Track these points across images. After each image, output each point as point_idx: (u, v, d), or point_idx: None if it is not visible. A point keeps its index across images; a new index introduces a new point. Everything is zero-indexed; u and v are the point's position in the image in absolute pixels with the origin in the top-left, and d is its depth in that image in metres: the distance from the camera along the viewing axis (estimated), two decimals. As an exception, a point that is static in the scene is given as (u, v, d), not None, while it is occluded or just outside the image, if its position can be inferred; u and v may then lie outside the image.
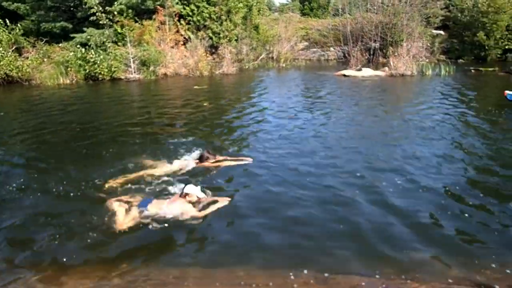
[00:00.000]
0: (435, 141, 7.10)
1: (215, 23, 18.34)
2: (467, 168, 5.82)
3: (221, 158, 5.95)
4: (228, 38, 18.43)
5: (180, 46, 17.36)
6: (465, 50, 20.85)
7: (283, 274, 3.41)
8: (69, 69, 14.91)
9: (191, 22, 18.23)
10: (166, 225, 4.21)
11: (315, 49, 22.88)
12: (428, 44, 19.73)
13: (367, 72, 16.30)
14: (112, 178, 5.30)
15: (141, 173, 5.47)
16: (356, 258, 3.64)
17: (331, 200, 4.77)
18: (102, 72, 14.88)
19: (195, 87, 13.70)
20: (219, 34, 18.33)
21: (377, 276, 3.38)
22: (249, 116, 9.38)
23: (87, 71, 14.87)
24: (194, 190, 4.57)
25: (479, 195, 4.92)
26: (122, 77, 15.38)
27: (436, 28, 22.13)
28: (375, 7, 21.34)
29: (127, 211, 4.38)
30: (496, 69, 17.32)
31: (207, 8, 18.18)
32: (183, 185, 4.83)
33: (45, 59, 15.48)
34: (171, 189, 4.95)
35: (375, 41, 20.50)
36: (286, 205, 4.66)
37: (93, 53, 14.71)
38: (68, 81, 14.90)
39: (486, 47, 19.88)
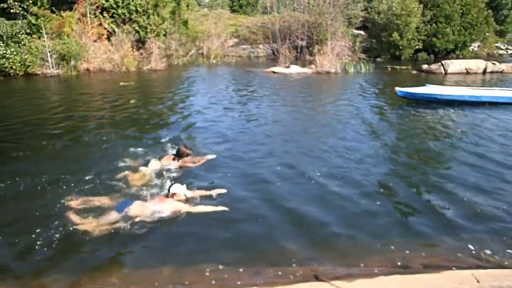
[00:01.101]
0: (351, 134, 7.62)
1: (142, 16, 17.64)
2: (373, 159, 6.31)
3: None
4: (156, 33, 17.84)
5: (104, 40, 16.44)
6: (382, 50, 22.47)
7: (199, 271, 3.42)
8: (-27, 63, 13.37)
9: (115, 15, 17.33)
10: (145, 227, 4.07)
11: (245, 46, 23.07)
12: (350, 43, 20.91)
13: (295, 69, 16.85)
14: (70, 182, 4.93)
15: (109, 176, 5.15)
16: (270, 250, 3.77)
17: (249, 194, 4.87)
18: (14, 67, 13.55)
19: (121, 83, 13.09)
20: (146, 28, 17.67)
21: (293, 265, 3.51)
22: (179, 113, 9.24)
23: (-4, 65, 13.47)
24: (181, 189, 4.46)
25: (389, 183, 5.35)
26: (39, 73, 14.16)
27: (357, 29, 23.57)
28: (302, 7, 22.09)
29: (101, 214, 4.13)
30: (409, 68, 18.94)
31: (133, 0, 17.41)
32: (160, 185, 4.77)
33: None
34: (149, 190, 4.74)
35: (302, 39, 21.24)
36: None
37: (1, 45, 13.33)
38: (-27, 76, 13.38)
39: (400, 47, 21.61)
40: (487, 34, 25.26)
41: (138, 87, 12.99)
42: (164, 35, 18.42)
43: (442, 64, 17.51)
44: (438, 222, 4.37)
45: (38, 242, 3.74)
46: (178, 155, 5.60)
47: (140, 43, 17.91)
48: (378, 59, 21.92)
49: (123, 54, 15.91)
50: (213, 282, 3.28)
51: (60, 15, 15.34)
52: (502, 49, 27.87)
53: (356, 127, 8.12)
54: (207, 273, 3.38)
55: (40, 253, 3.61)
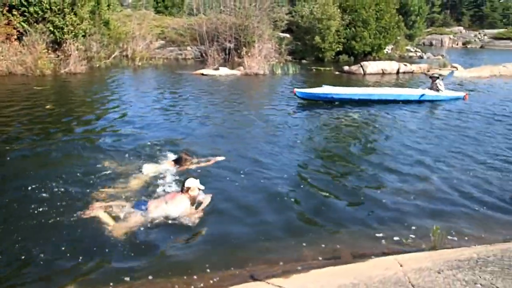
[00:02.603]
0: (270, 135, 7.86)
1: (57, 16, 16.35)
2: (288, 156, 6.59)
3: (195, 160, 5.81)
4: (73, 33, 16.65)
5: (14, 40, 14.96)
6: (307, 52, 23.38)
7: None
8: None
9: (26, 14, 15.85)
10: (169, 223, 4.14)
11: (172, 48, 22.53)
12: (277, 46, 21.46)
13: (224, 71, 16.87)
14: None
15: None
16: (203, 256, 3.73)
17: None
18: None
19: (36, 87, 12.01)
20: (62, 28, 16.41)
21: (229, 268, 3.50)
22: (101, 119, 8.72)
23: None
24: (195, 183, 4.49)
25: (306, 180, 5.59)
26: None
27: (283, 31, 24.27)
28: (228, 9, 22.18)
29: (120, 215, 4.15)
30: (332, 69, 19.98)
31: (45, -2, 16.05)
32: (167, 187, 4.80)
33: None
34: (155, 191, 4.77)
35: (230, 41, 21.31)
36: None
37: None
38: None
39: (323, 49, 22.65)
40: (398, 37, 27.58)
41: (56, 91, 12.03)
42: (84, 36, 17.26)
43: (361, 66, 18.78)
44: (360, 214, 4.67)
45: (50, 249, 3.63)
46: (180, 162, 5.58)
47: (56, 44, 16.60)
48: (304, 61, 22.77)
49: (37, 56, 14.60)
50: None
51: (-41, 13, 13.68)
52: (411, 52, 30.61)
53: (274, 128, 8.39)
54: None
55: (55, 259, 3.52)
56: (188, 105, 10.39)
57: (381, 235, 4.18)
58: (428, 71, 19.56)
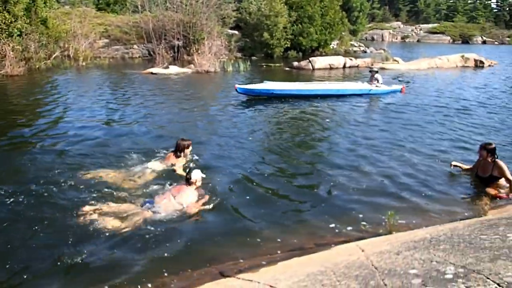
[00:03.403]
0: (221, 131, 7.90)
1: (-13, 14, 15.12)
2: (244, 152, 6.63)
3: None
4: (7, 33, 15.48)
5: None
6: (256, 48, 23.57)
7: None
8: None
9: (-50, 12, 14.50)
10: (175, 218, 4.19)
11: (117, 47, 21.69)
12: (226, 43, 21.41)
13: (174, 69, 16.57)
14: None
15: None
16: (170, 256, 3.69)
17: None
18: None
19: (-32, 92, 11.08)
20: (-6, 27, 15.21)
21: (198, 267, 3.50)
22: (47, 124, 8.22)
23: None
24: (200, 174, 4.53)
25: (262, 174, 5.67)
26: None
27: (231, 28, 24.26)
28: (175, 6, 21.73)
29: (131, 213, 4.11)
30: (282, 65, 20.32)
31: (-28, -5, 14.79)
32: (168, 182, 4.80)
33: None
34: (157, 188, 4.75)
35: (178, 39, 20.91)
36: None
37: None
38: None
39: (272, 46, 22.97)
40: (343, 33, 28.66)
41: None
42: (19, 35, 16.11)
43: (310, 61, 19.28)
44: (314, 207, 4.79)
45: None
46: (179, 150, 5.51)
47: (-12, 45, 15.34)
48: (254, 58, 22.93)
49: (-33, 58, 13.44)
50: None
51: None
52: (356, 46, 31.94)
53: (224, 125, 8.39)
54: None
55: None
56: (140, 105, 10.09)
57: (337, 225, 4.30)
58: (372, 64, 20.51)
